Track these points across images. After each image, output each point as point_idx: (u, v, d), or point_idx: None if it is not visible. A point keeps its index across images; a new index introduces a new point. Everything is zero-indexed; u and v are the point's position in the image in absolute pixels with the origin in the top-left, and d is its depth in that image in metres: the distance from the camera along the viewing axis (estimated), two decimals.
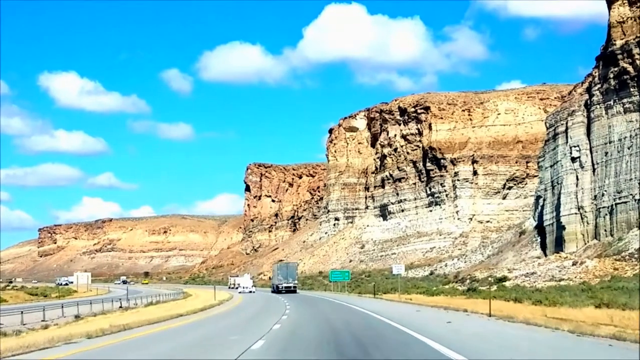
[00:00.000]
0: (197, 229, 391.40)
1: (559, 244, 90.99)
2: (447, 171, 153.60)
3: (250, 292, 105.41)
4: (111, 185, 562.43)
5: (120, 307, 52.12)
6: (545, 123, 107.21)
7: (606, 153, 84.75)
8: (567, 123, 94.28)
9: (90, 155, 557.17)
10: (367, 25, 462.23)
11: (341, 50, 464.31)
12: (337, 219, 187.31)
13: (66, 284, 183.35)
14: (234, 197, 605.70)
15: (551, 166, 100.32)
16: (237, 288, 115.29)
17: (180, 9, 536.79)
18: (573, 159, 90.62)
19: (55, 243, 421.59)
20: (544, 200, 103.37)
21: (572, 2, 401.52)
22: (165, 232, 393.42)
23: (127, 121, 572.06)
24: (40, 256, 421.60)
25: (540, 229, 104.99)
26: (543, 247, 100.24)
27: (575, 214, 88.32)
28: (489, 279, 64.70)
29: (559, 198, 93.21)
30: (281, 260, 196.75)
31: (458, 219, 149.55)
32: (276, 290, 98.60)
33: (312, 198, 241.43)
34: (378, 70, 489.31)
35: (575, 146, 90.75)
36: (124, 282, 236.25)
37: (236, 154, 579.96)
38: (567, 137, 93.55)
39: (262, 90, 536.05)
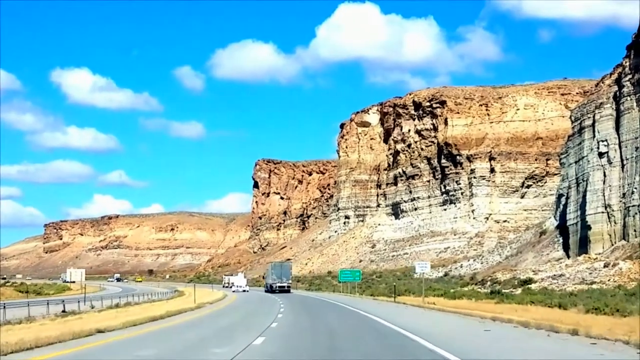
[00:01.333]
0: (205, 227, 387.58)
1: (584, 245, 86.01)
2: (462, 168, 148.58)
3: (244, 291, 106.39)
4: (122, 183, 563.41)
5: (64, 311, 40.69)
6: (571, 116, 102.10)
7: (637, 148, 79.77)
8: (594, 116, 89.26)
9: (102, 152, 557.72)
10: (380, 24, 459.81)
11: (354, 49, 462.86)
12: (347, 217, 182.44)
13: (73, 282, 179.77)
14: (244, 196, 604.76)
15: (576, 162, 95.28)
16: (231, 287, 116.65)
17: (193, 7, 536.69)
18: (600, 155, 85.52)
19: (61, 239, 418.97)
20: (567, 198, 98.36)
21: (588, 3, 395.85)
22: (172, 229, 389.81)
23: (139, 119, 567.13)
24: (46, 252, 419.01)
25: (562, 229, 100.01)
26: (566, 248, 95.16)
27: (602, 213, 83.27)
28: (513, 281, 59.80)
29: (584, 196, 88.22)
30: (289, 259, 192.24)
31: (474, 218, 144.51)
32: (270, 289, 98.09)
33: (322, 196, 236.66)
34: (391, 70, 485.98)
35: (602, 141, 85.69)
36: (118, 279, 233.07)
37: (247, 153, 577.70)
38: (594, 131, 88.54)
39: (274, 89, 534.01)
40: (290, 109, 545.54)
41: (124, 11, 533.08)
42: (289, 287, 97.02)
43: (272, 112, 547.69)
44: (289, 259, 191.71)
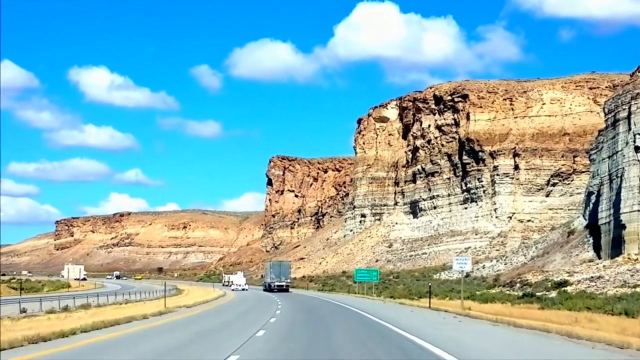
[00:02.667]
0: (218, 225, 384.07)
1: (617, 245, 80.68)
2: (485, 165, 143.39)
3: (244, 289, 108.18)
4: (138, 182, 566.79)
5: (23, 311, 37.55)
6: (603, 108, 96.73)
7: None
8: (629, 107, 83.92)
9: (119, 151, 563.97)
10: (399, 23, 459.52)
11: (372, 49, 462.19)
12: (363, 215, 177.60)
13: (84, 279, 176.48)
14: (260, 195, 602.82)
15: (609, 157, 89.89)
16: (230, 285, 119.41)
17: (211, 5, 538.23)
18: (637, 149, 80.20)
19: (72, 236, 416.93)
20: (599, 196, 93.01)
21: (609, 2, 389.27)
22: (184, 227, 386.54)
23: (156, 117, 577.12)
24: (57, 249, 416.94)
25: (592, 228, 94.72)
26: (596, 248, 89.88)
27: (638, 211, 78.04)
28: (545, 282, 54.88)
29: (618, 193, 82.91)
30: (302, 259, 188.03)
31: (496, 217, 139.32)
32: (268, 288, 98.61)
33: (338, 194, 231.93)
34: (409, 69, 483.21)
35: (639, 134, 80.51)
36: (117, 277, 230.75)
37: (263, 153, 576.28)
38: (629, 124, 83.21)
39: (291, 89, 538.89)
40: (307, 109, 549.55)
41: (141, 10, 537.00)
42: (287, 286, 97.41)
43: (289, 112, 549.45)
44: (302, 258, 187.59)
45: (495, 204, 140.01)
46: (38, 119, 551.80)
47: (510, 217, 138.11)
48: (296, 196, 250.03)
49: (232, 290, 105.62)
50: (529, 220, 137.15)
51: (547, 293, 50.70)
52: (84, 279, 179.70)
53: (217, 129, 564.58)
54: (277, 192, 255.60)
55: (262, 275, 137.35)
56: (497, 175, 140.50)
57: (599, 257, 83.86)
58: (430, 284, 53.68)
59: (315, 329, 28.32)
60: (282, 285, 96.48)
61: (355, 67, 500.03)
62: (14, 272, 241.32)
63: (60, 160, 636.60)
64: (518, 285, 59.06)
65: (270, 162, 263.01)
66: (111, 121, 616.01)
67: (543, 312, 30.38)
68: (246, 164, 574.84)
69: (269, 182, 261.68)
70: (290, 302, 57.80)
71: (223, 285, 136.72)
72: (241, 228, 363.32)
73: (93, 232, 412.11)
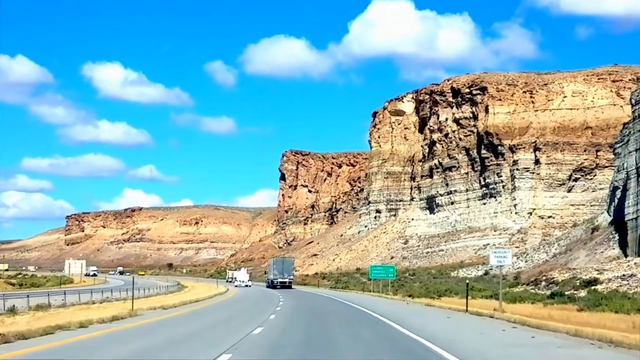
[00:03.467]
0: (230, 221, 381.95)
1: None
2: (504, 159, 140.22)
3: (247, 286, 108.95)
4: (152, 178, 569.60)
5: None
6: (630, 100, 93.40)
7: None
8: None
9: (133, 146, 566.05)
10: (414, 20, 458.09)
11: (387, 45, 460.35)
12: (378, 211, 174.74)
13: (94, 275, 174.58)
14: (274, 192, 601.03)
15: (636, 150, 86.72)
16: (234, 282, 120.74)
17: (226, 1, 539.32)
18: None
19: (82, 231, 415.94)
20: (625, 191, 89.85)
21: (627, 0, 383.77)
22: (196, 223, 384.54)
23: (170, 113, 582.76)
24: (67, 244, 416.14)
25: (618, 224, 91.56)
26: (622, 245, 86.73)
27: None
28: (573, 281, 51.99)
29: None
30: (315, 255, 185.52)
31: (516, 213, 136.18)
32: (271, 285, 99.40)
33: (352, 189, 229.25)
34: (424, 66, 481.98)
35: None
36: (121, 272, 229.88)
37: (278, 150, 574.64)
38: None
39: (305, 85, 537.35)
40: (322, 106, 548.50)
41: (156, 6, 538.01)
42: (290, 282, 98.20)
43: (304, 109, 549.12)
44: (315, 254, 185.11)
45: (515, 199, 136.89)
46: (52, 114, 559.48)
47: (531, 213, 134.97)
48: (310, 191, 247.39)
49: (235, 286, 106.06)
50: (549, 217, 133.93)
51: (575, 292, 47.84)
52: (95, 275, 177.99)
53: (231, 125, 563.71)
54: (290, 187, 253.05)
55: (265, 272, 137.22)
56: (517, 170, 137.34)
57: (625, 255, 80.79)
58: (467, 282, 49.21)
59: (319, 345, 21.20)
60: (285, 282, 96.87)
61: (370, 64, 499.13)
62: (22, 267, 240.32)
63: (74, 155, 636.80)
64: (543, 283, 56.13)
65: (283, 156, 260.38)
66: (125, 117, 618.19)
67: (589, 315, 27.37)
68: (260, 161, 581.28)
69: (282, 177, 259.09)
70: (292, 301, 51.89)
71: (227, 281, 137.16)
72: (254, 224, 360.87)
73: (104, 227, 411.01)
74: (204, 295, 60.00)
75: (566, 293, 46.44)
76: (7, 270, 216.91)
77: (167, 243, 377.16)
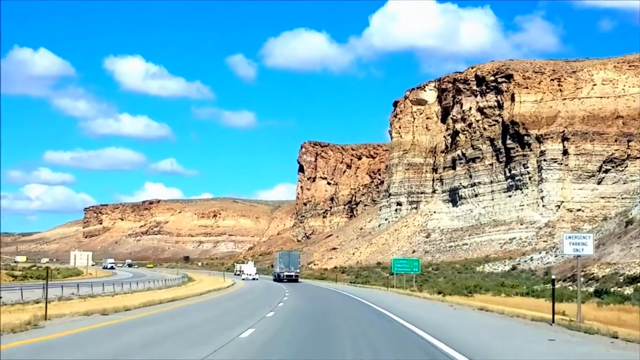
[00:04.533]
0: (249, 214, 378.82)
1: None
2: (531, 150, 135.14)
3: (254, 279, 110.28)
4: (173, 171, 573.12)
5: None
6: None
7: None
8: None
9: (154, 140, 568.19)
10: (436, 13, 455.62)
11: (408, 39, 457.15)
12: (399, 203, 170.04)
13: (111, 268, 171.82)
14: (294, 186, 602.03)
15: None
16: (241, 275, 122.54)
17: None
18: None
19: (100, 224, 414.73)
20: None
21: None
22: (215, 215, 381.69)
23: (191, 107, 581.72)
24: (85, 237, 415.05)
25: None
26: None
27: None
28: (616, 277, 47.41)
29: None
30: (334, 249, 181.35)
31: (543, 206, 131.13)
32: (277, 278, 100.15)
33: (372, 182, 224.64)
34: (445, 60, 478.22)
35: None
36: (129, 265, 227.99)
37: (297, 144, 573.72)
38: None
39: (326, 79, 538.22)
40: (342, 99, 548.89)
41: None
42: (296, 276, 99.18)
43: (324, 102, 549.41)
44: (334, 248, 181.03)
45: (542, 191, 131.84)
46: (74, 107, 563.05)
47: (559, 206, 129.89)
48: (329, 184, 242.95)
49: (243, 279, 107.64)
50: (578, 210, 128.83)
51: (620, 289, 43.31)
52: (112, 268, 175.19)
53: (251, 119, 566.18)
54: (308, 179, 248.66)
55: (271, 265, 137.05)
56: (544, 160, 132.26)
57: None
58: (554, 278, 43.02)
59: None
60: (292, 275, 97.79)
61: (391, 58, 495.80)
62: (37, 260, 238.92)
63: (96, 149, 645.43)
64: (583, 279, 51.55)
65: (301, 147, 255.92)
66: (146, 110, 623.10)
67: None
68: (280, 155, 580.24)
69: (301, 169, 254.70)
70: (296, 302, 42.84)
71: (235, 274, 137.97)
72: (272, 217, 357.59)
73: (122, 219, 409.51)
74: (199, 290, 55.67)
75: (610, 290, 41.96)
76: (25, 262, 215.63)
77: (185, 236, 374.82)
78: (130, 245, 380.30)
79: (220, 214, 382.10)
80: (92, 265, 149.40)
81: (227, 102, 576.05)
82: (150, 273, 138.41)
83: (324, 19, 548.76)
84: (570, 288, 48.45)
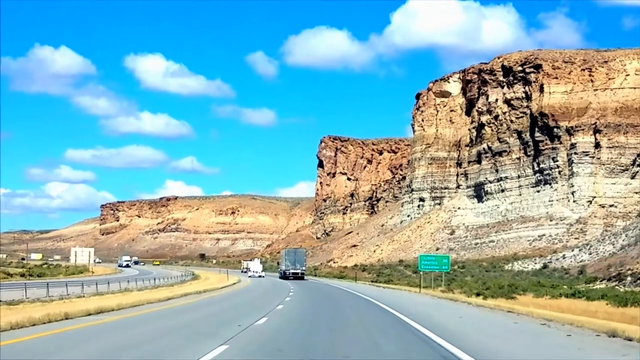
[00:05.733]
0: (268, 211, 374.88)
1: None
2: (561, 143, 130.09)
3: (260, 276, 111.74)
4: (193, 169, 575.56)
5: None
6: None
7: None
8: None
9: (174, 138, 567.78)
10: (457, 11, 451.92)
11: (429, 36, 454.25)
12: (422, 199, 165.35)
13: (127, 266, 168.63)
14: (314, 184, 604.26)
15: None
16: (247, 272, 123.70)
17: None
18: None
19: (117, 221, 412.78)
20: None
21: None
22: (233, 212, 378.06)
23: (211, 105, 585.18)
24: (102, 234, 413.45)
25: None
26: None
27: None
28: None
29: None
30: (355, 246, 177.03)
31: (574, 201, 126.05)
32: (283, 276, 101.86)
33: (394, 177, 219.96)
34: (467, 58, 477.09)
35: None
36: (136, 262, 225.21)
37: (318, 141, 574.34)
38: None
39: (346, 77, 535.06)
40: (362, 96, 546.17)
41: None
42: (302, 273, 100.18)
43: (344, 100, 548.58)
44: (354, 245, 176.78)
45: (572, 186, 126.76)
46: (95, 105, 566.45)
47: (590, 202, 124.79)
48: (349, 179, 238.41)
49: (249, 277, 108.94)
50: (611, 205, 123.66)
51: None
52: (128, 266, 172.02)
53: (272, 117, 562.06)
54: (328, 174, 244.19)
55: (277, 263, 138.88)
56: (575, 154, 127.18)
57: None
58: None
59: None
60: (298, 273, 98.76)
61: (412, 55, 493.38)
62: (49, 257, 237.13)
63: (117, 147, 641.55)
64: (629, 278, 47.03)
65: (321, 142, 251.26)
66: (167, 108, 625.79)
67: None
68: (300, 153, 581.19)
69: (320, 164, 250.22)
70: (305, 304, 37.87)
71: (241, 272, 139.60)
72: (292, 214, 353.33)
73: (139, 216, 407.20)
74: (191, 290, 51.32)
75: None
76: (40, 259, 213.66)
77: (203, 233, 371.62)
78: (147, 243, 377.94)
79: (238, 211, 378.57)
80: (99, 262, 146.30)
81: (248, 100, 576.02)
82: (156, 271, 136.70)
83: (345, 16, 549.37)
84: (621, 289, 43.84)
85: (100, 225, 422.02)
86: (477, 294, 44.02)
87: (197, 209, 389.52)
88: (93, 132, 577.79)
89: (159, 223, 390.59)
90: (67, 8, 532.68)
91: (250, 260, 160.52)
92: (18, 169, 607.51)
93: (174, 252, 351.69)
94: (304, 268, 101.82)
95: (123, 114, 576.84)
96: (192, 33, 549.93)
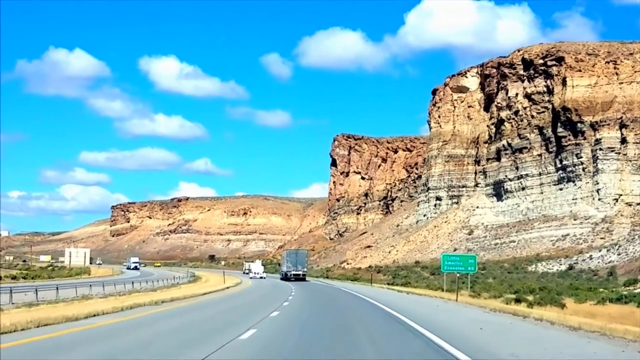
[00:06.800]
0: (280, 212, 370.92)
1: None
2: (585, 138, 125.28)
3: (261, 277, 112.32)
4: (207, 171, 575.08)
5: None
6: None
7: None
8: None
9: (188, 140, 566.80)
10: (472, 11, 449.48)
11: (444, 37, 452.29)
12: (438, 198, 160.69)
13: (135, 268, 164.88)
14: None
15: None
16: (249, 273, 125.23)
17: None
18: None
19: (128, 222, 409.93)
20: None
21: None
22: (245, 213, 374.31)
23: (225, 107, 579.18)
24: (113, 236, 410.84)
25: None
26: None
27: None
28: None
29: None
30: (369, 247, 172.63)
31: (599, 199, 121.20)
32: (285, 277, 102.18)
33: (409, 176, 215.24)
34: (482, 58, 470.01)
35: None
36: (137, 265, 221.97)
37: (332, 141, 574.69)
38: None
39: (361, 78, 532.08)
40: (377, 97, 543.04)
41: None
42: (304, 275, 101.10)
43: (359, 101, 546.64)
44: (368, 246, 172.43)
45: (597, 183, 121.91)
46: (109, 108, 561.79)
47: (617, 200, 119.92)
48: (363, 178, 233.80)
49: (250, 278, 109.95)
50: (639, 203, 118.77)
51: None
52: (136, 268, 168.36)
53: (286, 118, 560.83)
54: (341, 173, 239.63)
55: (279, 264, 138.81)
56: (600, 150, 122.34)
57: None
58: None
59: None
60: (299, 274, 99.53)
61: (426, 56, 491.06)
62: (57, 260, 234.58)
63: (131, 149, 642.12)
64: None
65: (334, 140, 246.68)
66: (181, 110, 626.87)
67: None
68: (314, 154, 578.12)
69: (333, 163, 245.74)
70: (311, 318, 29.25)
71: (243, 273, 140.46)
72: (305, 215, 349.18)
73: (150, 217, 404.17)
74: (181, 294, 46.40)
75: None
76: (49, 261, 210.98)
77: (214, 234, 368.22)
78: (158, 244, 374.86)
79: (250, 211, 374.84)
80: (100, 263, 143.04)
81: (262, 101, 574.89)
82: (157, 272, 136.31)
83: (359, 17, 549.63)
84: None
85: (110, 226, 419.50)
86: (517, 300, 38.34)
87: (209, 210, 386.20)
88: (107, 134, 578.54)
89: (170, 224, 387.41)
90: (81, 10, 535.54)
91: (252, 261, 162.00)
92: (33, 171, 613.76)
93: (184, 253, 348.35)
94: (305, 269, 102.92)
95: (137, 116, 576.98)
96: (206, 35, 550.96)
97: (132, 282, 60.50)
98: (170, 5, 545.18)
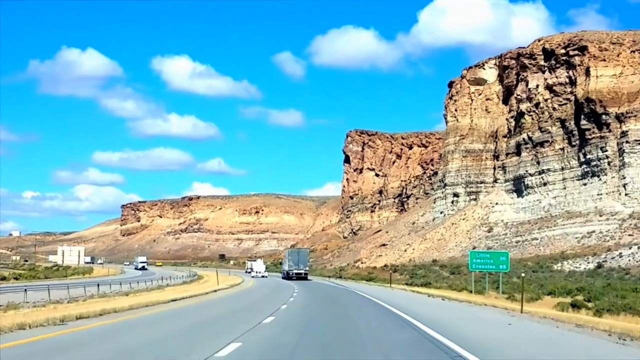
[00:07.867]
0: (293, 210, 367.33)
1: None
2: (610, 131, 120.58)
3: (263, 276, 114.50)
4: (221, 171, 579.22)
5: None
6: None
7: None
8: None
9: (201, 140, 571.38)
10: (486, 9, 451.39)
11: (457, 35, 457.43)
12: (456, 195, 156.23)
13: (142, 268, 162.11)
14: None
15: None
16: (251, 272, 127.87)
17: None
18: None
19: (138, 221, 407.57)
20: None
21: None
22: (257, 212, 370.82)
23: (239, 106, 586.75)
24: (123, 235, 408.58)
25: None
26: None
27: None
28: None
29: None
30: (384, 245, 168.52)
31: (626, 194, 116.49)
32: (286, 276, 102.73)
33: (424, 173, 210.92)
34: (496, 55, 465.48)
35: None
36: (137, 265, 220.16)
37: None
38: None
39: (374, 77, 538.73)
40: (390, 96, 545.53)
41: None
42: (306, 274, 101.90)
43: (372, 100, 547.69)
44: (383, 245, 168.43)
45: (624, 178, 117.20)
46: (122, 108, 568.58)
47: None
48: (377, 175, 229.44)
49: (252, 277, 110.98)
50: None
51: None
52: (143, 268, 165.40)
53: (299, 118, 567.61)
54: (355, 170, 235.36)
55: (280, 263, 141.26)
56: (627, 142, 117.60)
57: None
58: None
59: None
60: (301, 273, 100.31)
61: (440, 54, 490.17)
62: (27, 259, 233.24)
63: (144, 149, 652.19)
64: None
65: (347, 137, 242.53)
66: (194, 110, 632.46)
67: None
68: (328, 153, 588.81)
69: (347, 160, 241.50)
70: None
71: (245, 272, 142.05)
72: (318, 213, 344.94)
73: (160, 217, 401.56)
74: (168, 297, 42.50)
75: None
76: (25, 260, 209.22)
77: (226, 234, 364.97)
78: (169, 244, 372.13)
79: (262, 210, 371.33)
80: (101, 263, 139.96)
81: (275, 101, 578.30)
82: (159, 271, 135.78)
83: (372, 15, 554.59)
84: None
85: (121, 225, 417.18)
86: (573, 305, 32.45)
87: (220, 209, 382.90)
88: (120, 134, 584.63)
89: (180, 223, 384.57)
90: (93, 10, 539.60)
91: (254, 260, 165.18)
92: (46, 172, 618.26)
93: (195, 253, 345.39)
94: (307, 268, 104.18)
95: (150, 116, 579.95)
96: (219, 34, 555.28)
97: (110, 285, 55.47)
98: (183, 4, 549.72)
